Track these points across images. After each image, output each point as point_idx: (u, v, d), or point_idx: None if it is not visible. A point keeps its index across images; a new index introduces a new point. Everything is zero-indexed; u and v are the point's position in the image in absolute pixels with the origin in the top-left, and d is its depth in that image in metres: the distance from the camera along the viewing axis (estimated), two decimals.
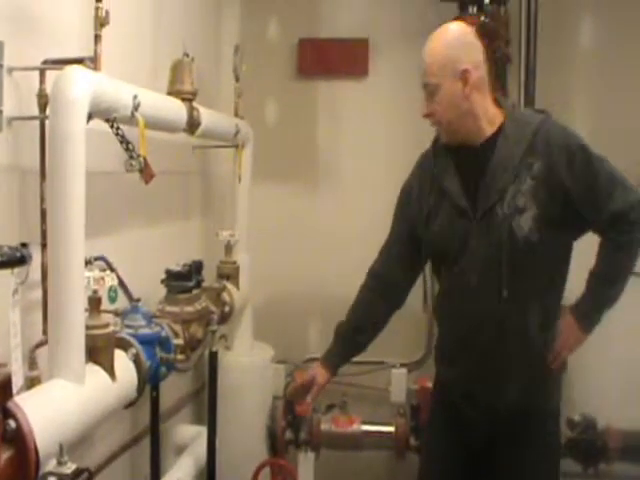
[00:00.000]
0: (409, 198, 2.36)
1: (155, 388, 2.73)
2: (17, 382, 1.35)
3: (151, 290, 2.55)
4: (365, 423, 3.62)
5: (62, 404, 1.61)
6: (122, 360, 2.01)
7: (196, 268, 2.67)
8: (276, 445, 3.54)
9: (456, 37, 2.15)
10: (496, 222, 2.13)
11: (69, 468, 1.40)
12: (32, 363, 1.86)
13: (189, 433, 3.16)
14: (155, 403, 2.76)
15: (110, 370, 1.86)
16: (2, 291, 1.45)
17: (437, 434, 2.48)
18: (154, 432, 2.80)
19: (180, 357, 2.28)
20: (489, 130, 2.19)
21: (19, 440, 1.37)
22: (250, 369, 3.19)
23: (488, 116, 2.18)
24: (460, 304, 2.27)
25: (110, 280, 1.86)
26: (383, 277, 2.44)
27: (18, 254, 1.31)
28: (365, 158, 4.03)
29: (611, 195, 2.10)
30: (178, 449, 3.06)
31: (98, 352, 1.84)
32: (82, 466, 2.22)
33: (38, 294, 2.06)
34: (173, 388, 3.29)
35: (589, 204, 2.13)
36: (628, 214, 2.12)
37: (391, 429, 3.58)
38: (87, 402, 1.70)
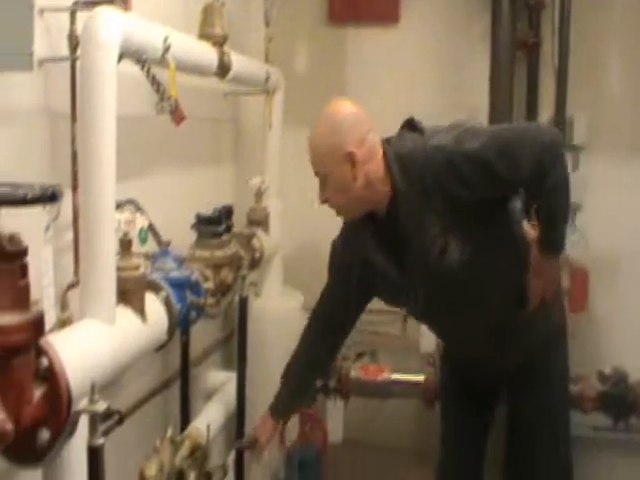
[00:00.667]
0: (343, 264, 2.36)
1: (185, 332, 2.75)
2: (49, 320, 1.37)
3: (181, 235, 2.55)
4: (394, 372, 3.62)
5: (94, 343, 1.62)
6: (153, 303, 2.02)
7: (226, 213, 2.68)
8: None
9: (336, 122, 2.11)
10: (431, 274, 2.14)
11: (101, 406, 1.42)
12: (64, 305, 1.87)
13: (218, 379, 3.19)
14: (185, 348, 2.78)
15: (141, 312, 1.88)
16: (34, 229, 1.45)
17: (450, 390, 2.67)
18: (184, 377, 2.83)
19: (210, 301, 2.30)
20: (386, 192, 2.13)
21: (51, 378, 1.38)
22: (279, 316, 3.20)
23: (381, 176, 2.13)
24: (450, 341, 2.53)
25: (141, 222, 1.86)
26: (322, 320, 2.48)
27: (50, 191, 1.31)
28: (393, 107, 3.97)
29: (514, 166, 2.04)
30: (207, 394, 3.10)
31: (129, 294, 1.85)
32: (113, 409, 2.33)
33: (69, 237, 2.07)
34: (203, 334, 3.31)
35: (503, 190, 2.13)
36: (540, 170, 2.04)
37: (420, 378, 3.58)
38: (118, 342, 1.72)
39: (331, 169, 2.10)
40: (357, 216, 2.21)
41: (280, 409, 2.53)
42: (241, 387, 2.77)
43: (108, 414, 2.31)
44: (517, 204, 2.27)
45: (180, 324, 2.20)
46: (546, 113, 3.74)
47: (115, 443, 2.39)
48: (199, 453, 2.53)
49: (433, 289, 2.17)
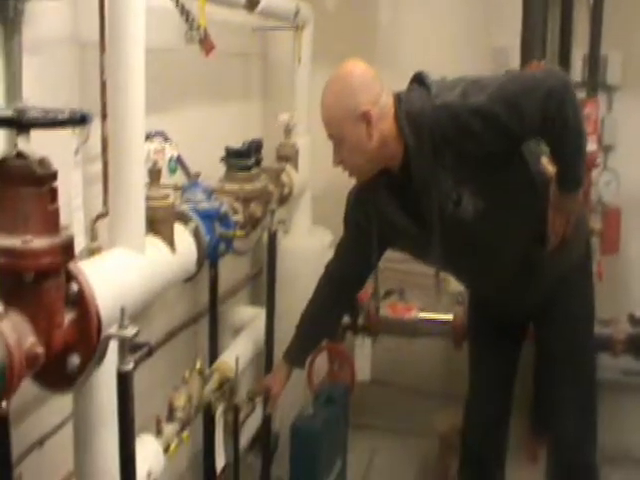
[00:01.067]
0: (359, 222, 2.37)
1: (214, 266, 2.75)
2: (79, 244, 1.36)
3: (210, 169, 2.54)
4: (423, 311, 3.61)
5: (123, 271, 1.62)
6: (182, 233, 2.01)
7: (255, 147, 2.66)
8: None
9: (350, 82, 2.11)
10: (448, 226, 2.14)
11: (130, 331, 1.42)
12: (93, 235, 1.87)
13: (247, 314, 3.20)
14: (214, 282, 2.79)
15: (170, 242, 1.87)
16: (64, 153, 1.44)
17: (478, 329, 2.72)
18: (212, 311, 2.84)
19: (239, 233, 2.29)
20: (399, 149, 2.13)
21: (81, 303, 1.38)
22: (308, 253, 3.20)
23: (394, 134, 2.13)
24: (475, 287, 2.61)
25: (170, 151, 1.85)
26: (337, 278, 2.53)
27: (79, 114, 1.29)
28: (426, 43, 3.91)
29: (522, 117, 2.01)
30: (235, 330, 3.11)
31: (158, 224, 1.84)
32: (142, 341, 2.35)
33: (98, 168, 2.07)
34: (232, 271, 3.34)
35: (513, 140, 2.09)
36: (548, 115, 2.01)
37: (449, 317, 3.56)
38: (148, 271, 1.71)
39: (347, 130, 2.10)
40: (370, 176, 2.21)
41: (293, 356, 2.60)
42: (270, 322, 2.78)
43: (138, 346, 2.36)
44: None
45: (209, 256, 2.19)
46: (580, 52, 3.64)
47: (144, 376, 2.43)
48: (227, 386, 2.55)
49: (452, 241, 2.17)
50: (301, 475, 3.03)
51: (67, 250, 1.29)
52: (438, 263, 2.32)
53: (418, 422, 3.80)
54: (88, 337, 1.39)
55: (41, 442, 1.94)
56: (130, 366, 1.43)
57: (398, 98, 2.13)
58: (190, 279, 2.10)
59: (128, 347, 1.43)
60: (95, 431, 1.61)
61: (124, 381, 1.43)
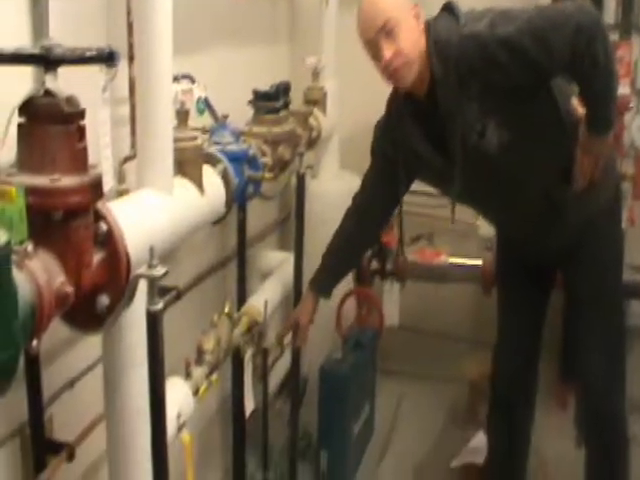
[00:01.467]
0: (385, 152, 2.37)
1: (242, 209, 2.74)
2: (107, 182, 1.35)
3: (237, 113, 2.51)
4: (452, 256, 3.61)
5: (152, 211, 1.60)
6: (210, 175, 1.99)
7: (283, 89, 2.63)
8: (362, 275, 3.57)
9: None
10: (473, 158, 2.13)
11: (159, 271, 1.40)
12: (121, 177, 1.87)
13: (275, 259, 3.20)
14: (242, 225, 2.78)
15: (198, 183, 1.84)
16: (91, 93, 1.42)
17: (506, 274, 2.72)
18: (241, 255, 2.83)
19: (268, 175, 2.27)
20: (426, 75, 2.13)
21: (110, 243, 1.37)
22: (336, 197, 3.16)
23: (424, 59, 2.12)
24: (500, 225, 2.59)
25: (198, 92, 1.82)
26: (363, 209, 2.54)
27: (107, 51, 1.27)
28: None
29: (550, 52, 1.97)
30: (263, 275, 3.11)
31: (186, 165, 1.82)
32: (170, 285, 2.35)
33: (125, 110, 2.05)
34: (259, 215, 3.34)
35: (540, 75, 2.05)
36: (577, 51, 1.97)
37: (478, 263, 3.55)
38: (176, 212, 1.70)
39: (403, 16, 2.06)
40: (410, 83, 2.15)
41: (319, 285, 2.62)
42: (298, 266, 2.77)
43: (166, 289, 2.37)
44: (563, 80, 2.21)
45: (237, 198, 2.17)
46: None
47: (173, 320, 2.44)
48: (256, 330, 2.55)
49: (475, 174, 2.15)
50: (329, 419, 3.07)
51: (95, 189, 1.27)
52: (462, 197, 2.29)
53: (446, 368, 3.82)
54: (117, 277, 1.38)
55: (72, 384, 1.95)
56: (160, 306, 1.42)
57: (427, 25, 2.12)
58: (218, 221, 2.09)
59: (157, 289, 1.42)
60: (125, 372, 1.61)
61: (153, 321, 1.42)
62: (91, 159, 1.31)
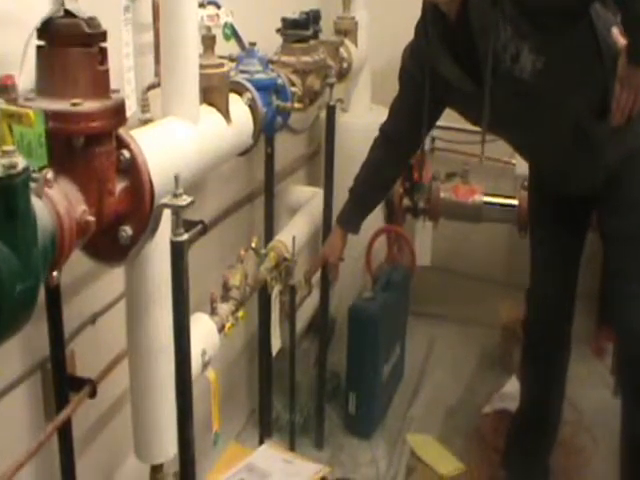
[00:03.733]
0: (414, 77, 2.35)
1: (270, 142, 2.73)
2: (130, 107, 1.33)
3: (265, 42, 2.47)
4: (487, 194, 3.57)
5: (177, 140, 1.59)
6: (237, 104, 1.97)
7: (313, 17, 2.59)
8: (393, 213, 3.56)
9: None
10: (504, 84, 2.09)
11: (184, 200, 1.39)
12: (144, 106, 1.84)
13: (304, 194, 3.18)
14: (270, 158, 2.77)
15: (225, 112, 1.83)
16: (113, 14, 1.40)
17: (540, 215, 2.66)
18: (268, 189, 2.83)
19: (297, 106, 2.25)
20: None
21: (133, 171, 1.36)
22: (367, 132, 3.10)
23: None
24: (531, 158, 2.54)
25: (224, 17, 1.79)
26: (391, 138, 2.55)
27: None
28: None
29: None
30: (292, 210, 3.09)
31: (212, 92, 1.80)
32: (196, 219, 2.35)
33: (149, 37, 2.01)
34: (288, 149, 3.32)
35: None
36: None
37: (514, 202, 3.51)
38: (202, 141, 1.68)
39: None
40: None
41: (346, 219, 2.66)
42: (327, 202, 2.76)
43: (192, 223, 2.36)
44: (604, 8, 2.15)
45: (265, 129, 2.16)
46: None
47: (198, 255, 2.44)
48: (283, 266, 2.56)
49: (507, 100, 2.12)
50: (358, 360, 3.07)
51: (118, 114, 1.26)
52: (492, 127, 2.25)
53: (479, 311, 3.82)
54: (140, 206, 1.37)
55: (93, 320, 1.95)
56: (185, 237, 1.41)
57: None
58: (245, 152, 2.08)
59: (182, 222, 1.41)
60: (149, 306, 1.61)
61: (178, 252, 1.42)
62: (113, 85, 1.30)
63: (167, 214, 1.46)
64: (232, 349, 2.94)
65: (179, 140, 1.60)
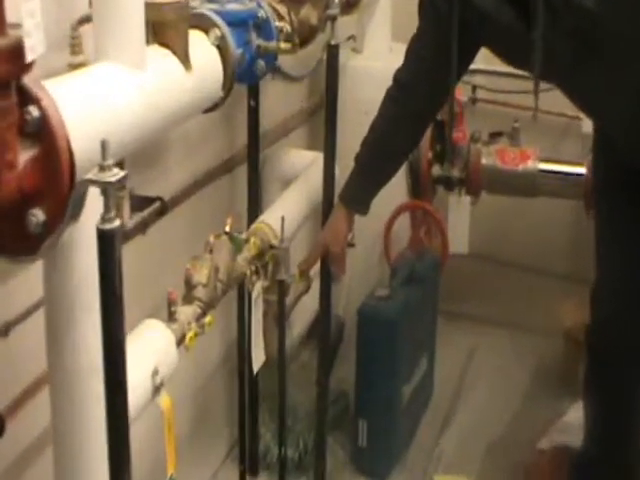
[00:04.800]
0: (438, 9, 2.34)
1: (254, 94, 2.70)
2: (34, 47, 1.26)
3: None
4: (544, 160, 3.54)
5: (112, 92, 1.52)
6: (201, 45, 1.93)
7: None
8: (419, 185, 3.54)
9: None
10: (561, 16, 2.08)
11: (114, 175, 1.33)
12: (74, 46, 1.79)
13: (301, 161, 3.15)
14: (253, 116, 2.74)
15: (183, 56, 1.78)
16: None
17: (608, 189, 2.67)
18: (252, 156, 2.81)
19: (284, 46, 2.22)
20: None
21: (45, 135, 1.30)
22: (387, 78, 3.07)
23: None
24: (596, 119, 2.60)
25: None
26: (408, 90, 2.55)
27: None
28: None
29: None
30: (284, 181, 3.06)
31: (165, 30, 1.76)
32: (153, 195, 2.31)
33: None
34: (281, 102, 3.33)
35: None
36: None
37: (580, 170, 3.48)
38: (149, 94, 1.63)
39: None
40: None
41: (352, 197, 2.65)
42: (329, 169, 2.71)
43: (146, 200, 2.32)
44: None
45: (243, 77, 2.13)
46: None
47: (157, 242, 2.42)
48: (269, 256, 2.52)
49: (565, 40, 2.11)
50: (371, 376, 3.06)
51: (15, 56, 1.20)
52: (544, 73, 2.22)
53: (533, 312, 3.81)
54: (56, 183, 1.31)
55: (6, 330, 1.91)
56: (115, 224, 1.35)
57: None
58: (213, 108, 2.04)
59: (113, 200, 1.35)
60: (75, 315, 1.55)
61: (107, 244, 1.35)
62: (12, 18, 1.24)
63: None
64: (206, 364, 2.93)
65: (115, 93, 1.54)
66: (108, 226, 1.35)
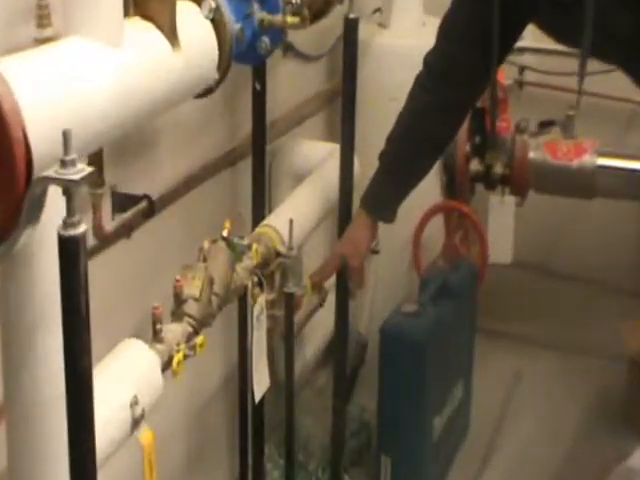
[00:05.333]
0: None
1: (260, 79, 2.70)
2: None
3: None
4: (604, 154, 3.51)
5: (82, 72, 1.52)
6: (192, 18, 1.93)
7: None
8: (454, 182, 3.53)
9: None
10: None
11: (78, 172, 1.31)
12: (42, 17, 1.79)
13: (317, 153, 3.15)
14: (260, 101, 2.74)
15: (169, 31, 1.78)
16: None
17: None
18: (258, 148, 2.81)
19: (291, 20, 2.23)
20: None
21: None
22: (418, 57, 3.08)
23: None
24: None
25: None
26: (442, 76, 2.56)
27: None
28: None
29: None
30: (296, 177, 3.06)
31: (149, 1, 1.76)
32: (139, 193, 2.30)
33: None
34: (294, 87, 3.33)
35: None
36: None
37: None
38: (128, 75, 1.63)
39: None
40: None
41: (376, 203, 2.65)
42: (347, 165, 2.72)
43: (131, 199, 2.31)
44: None
45: (243, 57, 2.15)
46: None
47: (145, 248, 2.41)
48: (275, 264, 2.52)
49: (619, 11, 2.13)
50: (396, 406, 3.06)
51: None
52: (597, 51, 2.24)
53: (592, 333, 3.82)
54: (9, 181, 1.31)
55: None
56: (81, 229, 1.33)
57: None
58: (207, 93, 2.05)
59: (77, 200, 1.34)
60: (35, 337, 1.54)
61: (69, 253, 1.34)
62: None
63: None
64: (203, 390, 2.92)
65: (85, 74, 1.54)
66: (71, 232, 1.33)
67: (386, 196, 2.64)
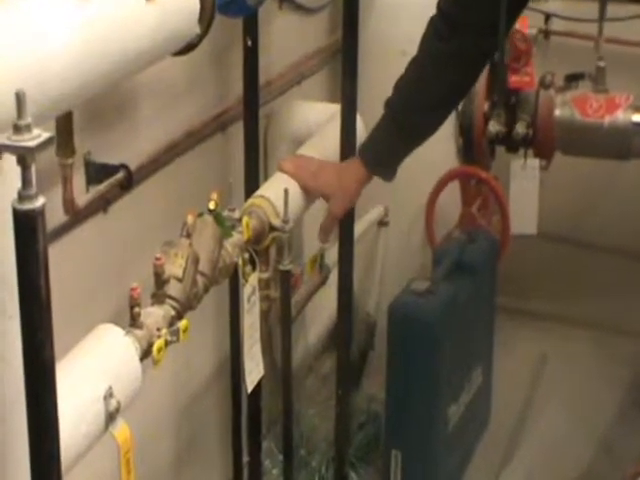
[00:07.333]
0: None
1: (251, 33, 2.68)
2: None
3: None
4: (638, 110, 3.48)
5: (41, 26, 1.52)
6: None
7: None
8: (472, 145, 3.52)
9: None
10: None
11: (34, 138, 1.30)
12: None
13: (317, 115, 3.15)
14: (252, 58, 2.72)
15: None
16: None
17: None
18: (250, 109, 2.79)
19: None
20: None
21: None
22: (430, 7, 3.08)
23: None
24: None
25: None
26: (458, 23, 2.54)
27: None
28: None
29: None
30: (294, 139, 3.04)
31: None
32: (116, 162, 2.28)
33: None
34: (292, 42, 3.34)
35: None
36: None
37: None
38: (94, 29, 1.63)
39: None
40: None
41: (374, 155, 2.61)
42: (348, 127, 2.72)
43: (107, 169, 2.30)
44: None
45: (230, 8, 2.17)
46: None
47: (123, 224, 2.40)
48: (270, 239, 2.50)
49: None
50: (406, 394, 3.05)
51: None
52: None
53: (625, 309, 3.82)
54: None
55: None
56: (37, 203, 1.31)
57: None
58: (188, 50, 2.06)
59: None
60: None
61: (25, 229, 1.32)
62: None
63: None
64: (193, 380, 2.93)
65: (45, 28, 1.54)
66: (28, 206, 1.31)
67: (388, 150, 2.61)
